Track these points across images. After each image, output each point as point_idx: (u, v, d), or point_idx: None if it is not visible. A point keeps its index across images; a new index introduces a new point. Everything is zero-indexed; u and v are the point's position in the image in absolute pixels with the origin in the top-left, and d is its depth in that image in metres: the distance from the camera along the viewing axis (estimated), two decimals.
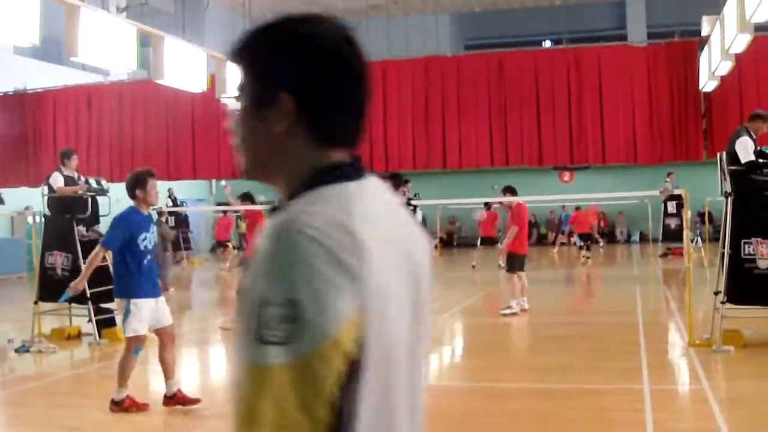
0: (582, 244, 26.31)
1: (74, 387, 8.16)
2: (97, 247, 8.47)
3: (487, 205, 26.71)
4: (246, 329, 1.49)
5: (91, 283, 12.68)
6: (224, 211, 33.66)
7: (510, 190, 15.68)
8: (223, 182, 13.09)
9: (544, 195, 35.51)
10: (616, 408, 7.95)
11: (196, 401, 8.26)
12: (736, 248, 10.61)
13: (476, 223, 28.55)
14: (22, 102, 29.77)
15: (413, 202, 22.17)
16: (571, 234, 33.28)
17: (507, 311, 14.43)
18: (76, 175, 13.11)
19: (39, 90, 29.87)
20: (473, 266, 25.79)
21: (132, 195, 8.25)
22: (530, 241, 27.44)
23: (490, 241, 26.70)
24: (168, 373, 8.25)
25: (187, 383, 9.01)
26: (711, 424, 7.15)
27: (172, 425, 7.91)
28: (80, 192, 12.88)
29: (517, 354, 11.32)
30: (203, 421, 8.03)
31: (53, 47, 30.31)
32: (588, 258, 26.28)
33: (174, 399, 8.21)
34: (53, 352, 11.96)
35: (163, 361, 8.28)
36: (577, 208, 28.23)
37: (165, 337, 8.31)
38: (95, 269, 12.43)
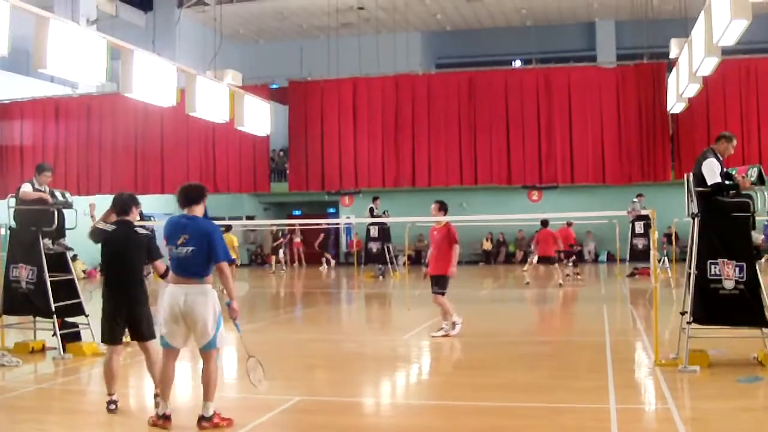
0: (561, 262, 26.11)
1: (38, 402, 8.05)
2: (227, 266, 8.27)
3: (545, 223, 26.38)
4: None
5: (57, 297, 12.60)
6: None
7: (443, 209, 14.96)
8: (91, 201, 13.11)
9: (513, 214, 35.68)
10: (582, 427, 7.95)
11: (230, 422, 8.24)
12: (703, 269, 10.67)
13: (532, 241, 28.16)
14: None
15: (382, 219, 22.19)
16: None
17: (453, 331, 14.30)
18: (47, 190, 12.98)
19: (6, 101, 29.67)
20: (527, 283, 25.73)
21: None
22: (498, 259, 27.45)
23: (548, 260, 26.41)
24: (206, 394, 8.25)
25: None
26: None
27: None
28: (44, 198, 12.74)
29: (481, 372, 11.31)
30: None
31: (21, 58, 30.04)
32: (577, 275, 25.96)
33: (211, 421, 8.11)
34: (17, 365, 11.81)
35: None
36: (544, 224, 27.84)
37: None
38: (61, 282, 12.41)
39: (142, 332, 8.79)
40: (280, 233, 37.76)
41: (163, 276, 8.54)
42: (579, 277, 25.86)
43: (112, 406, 8.58)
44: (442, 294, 14.49)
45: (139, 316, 8.76)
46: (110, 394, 8.63)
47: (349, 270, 35.12)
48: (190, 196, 8.46)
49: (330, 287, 29.74)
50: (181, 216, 8.39)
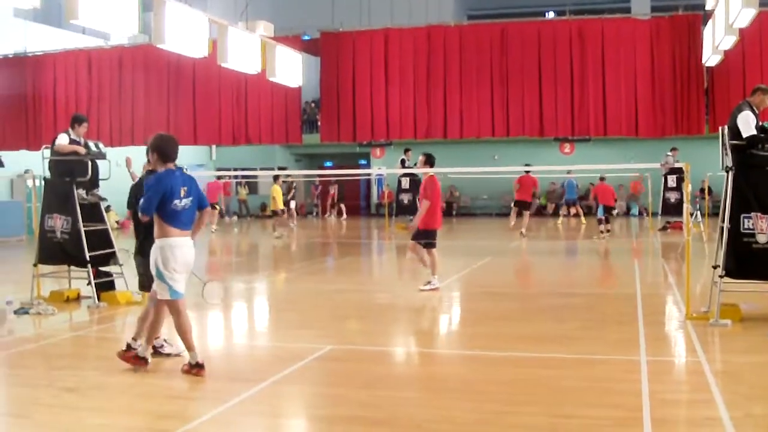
0: (602, 216, 25.93)
1: (73, 349, 8.19)
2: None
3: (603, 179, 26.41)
4: None
5: (91, 246, 12.74)
6: (218, 177, 33.86)
7: (428, 162, 14.52)
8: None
9: (545, 165, 35.56)
10: (612, 378, 7.97)
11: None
12: (736, 223, 10.60)
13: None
14: (22, 65, 29.69)
15: (414, 170, 22.19)
16: (574, 204, 33.35)
17: (427, 287, 14.00)
18: (82, 141, 13.04)
19: (39, 53, 29.79)
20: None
21: None
22: (531, 211, 27.40)
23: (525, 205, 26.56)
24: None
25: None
26: (706, 396, 7.18)
27: (163, 387, 7.94)
28: (79, 151, 12.79)
29: (512, 323, 11.34)
30: (199, 383, 8.06)
31: (54, 10, 30.17)
32: (608, 231, 25.91)
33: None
34: (52, 314, 11.99)
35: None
36: (602, 179, 27.80)
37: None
38: (95, 232, 12.52)
39: None
40: (293, 185, 38.04)
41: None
42: (602, 235, 25.49)
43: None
44: (433, 246, 14.25)
45: None
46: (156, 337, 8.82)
47: (381, 221, 35.21)
48: (177, 148, 8.43)
49: (362, 238, 29.84)
50: (178, 169, 8.33)
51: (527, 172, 25.74)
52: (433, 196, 14.26)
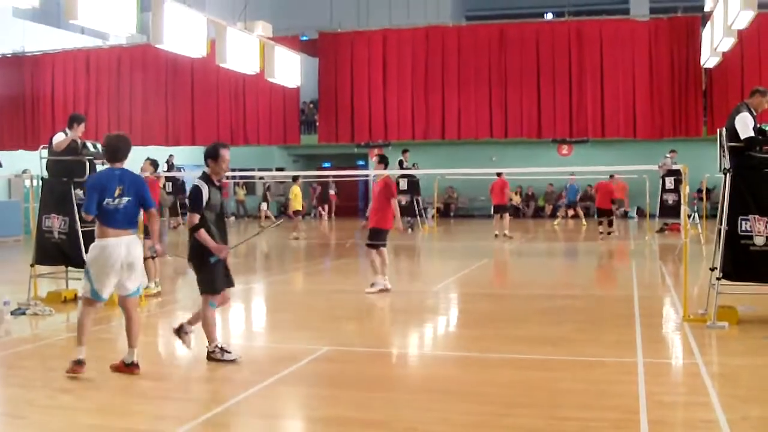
0: (603, 219, 25.90)
1: (69, 350, 8.17)
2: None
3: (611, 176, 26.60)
4: None
5: (88, 247, 12.69)
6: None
7: (382, 161, 14.55)
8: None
9: (543, 167, 35.56)
10: (609, 380, 7.97)
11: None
12: (733, 225, 10.60)
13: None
14: (21, 64, 29.68)
15: (411, 172, 22.19)
16: (575, 205, 33.36)
17: (372, 289, 13.98)
18: (80, 142, 13.01)
19: (37, 53, 29.78)
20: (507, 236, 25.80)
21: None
22: (527, 212, 27.43)
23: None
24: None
25: (185, 347, 9.04)
26: (703, 399, 7.17)
27: (159, 388, 7.93)
28: (73, 142, 12.73)
29: (509, 325, 11.33)
30: (192, 384, 8.05)
31: (52, 10, 30.14)
32: (610, 233, 25.89)
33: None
34: (49, 314, 11.98)
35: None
36: (611, 176, 27.61)
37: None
38: (93, 233, 12.43)
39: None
40: (267, 186, 38.40)
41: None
42: (600, 236, 25.48)
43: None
44: (383, 246, 14.23)
45: None
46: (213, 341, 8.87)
47: None
48: (125, 150, 8.52)
49: (358, 238, 29.82)
50: (120, 169, 8.38)
51: (499, 174, 25.95)
52: (383, 197, 14.25)
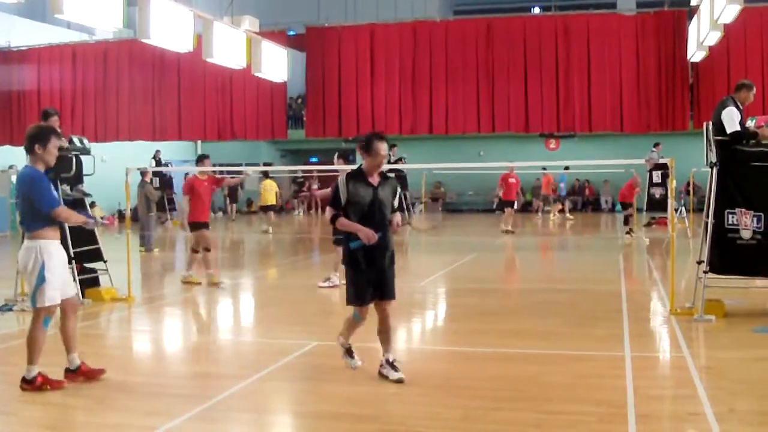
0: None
1: (56, 346, 8.13)
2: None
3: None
4: None
5: (75, 242, 12.67)
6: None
7: (341, 157, 14.63)
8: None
9: (530, 161, 35.61)
10: (597, 374, 8.00)
11: (101, 372, 7.92)
12: (720, 218, 10.64)
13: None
14: (6, 59, 29.56)
15: (399, 166, 22.20)
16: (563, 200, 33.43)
17: (325, 284, 14.01)
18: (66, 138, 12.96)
19: (23, 48, 29.64)
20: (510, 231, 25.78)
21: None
22: (515, 207, 27.46)
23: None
24: (70, 347, 7.91)
25: (173, 343, 9.05)
26: (690, 392, 7.20)
27: (149, 384, 7.92)
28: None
29: (498, 319, 11.35)
30: (170, 386, 8.05)
31: (38, 4, 29.96)
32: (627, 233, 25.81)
33: (78, 372, 7.86)
34: None
35: (65, 333, 7.92)
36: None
37: (69, 308, 7.96)
38: (79, 228, 12.42)
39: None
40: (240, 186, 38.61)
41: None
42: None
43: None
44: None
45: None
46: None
47: None
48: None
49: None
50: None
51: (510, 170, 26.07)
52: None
